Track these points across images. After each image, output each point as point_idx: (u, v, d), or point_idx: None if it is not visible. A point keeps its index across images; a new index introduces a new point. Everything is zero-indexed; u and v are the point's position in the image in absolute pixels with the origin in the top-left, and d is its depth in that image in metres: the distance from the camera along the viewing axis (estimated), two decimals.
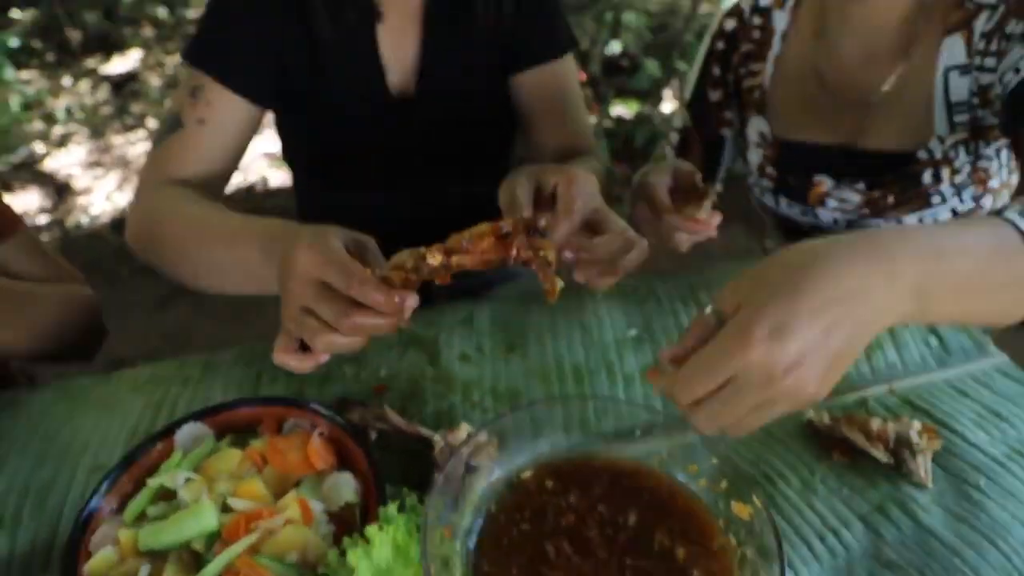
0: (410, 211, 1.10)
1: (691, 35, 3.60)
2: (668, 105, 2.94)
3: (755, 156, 1.08)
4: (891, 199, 0.95)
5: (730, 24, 1.05)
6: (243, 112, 0.90)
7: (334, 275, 0.59)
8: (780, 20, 1.02)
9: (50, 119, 3.25)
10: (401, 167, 1.03)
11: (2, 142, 3.05)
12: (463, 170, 1.07)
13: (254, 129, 0.94)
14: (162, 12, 4.13)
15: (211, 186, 0.89)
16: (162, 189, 0.85)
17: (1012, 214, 0.51)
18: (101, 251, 2.47)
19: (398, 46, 0.97)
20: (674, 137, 1.17)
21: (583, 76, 3.03)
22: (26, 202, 2.74)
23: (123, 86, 3.42)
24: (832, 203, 1.01)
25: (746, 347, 0.44)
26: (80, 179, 2.81)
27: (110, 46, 3.89)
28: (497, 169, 1.14)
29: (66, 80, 3.59)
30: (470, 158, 1.07)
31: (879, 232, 0.48)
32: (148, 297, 2.27)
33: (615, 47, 3.15)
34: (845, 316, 0.45)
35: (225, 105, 0.88)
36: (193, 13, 4.08)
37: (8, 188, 2.76)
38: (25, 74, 3.68)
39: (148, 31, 4.04)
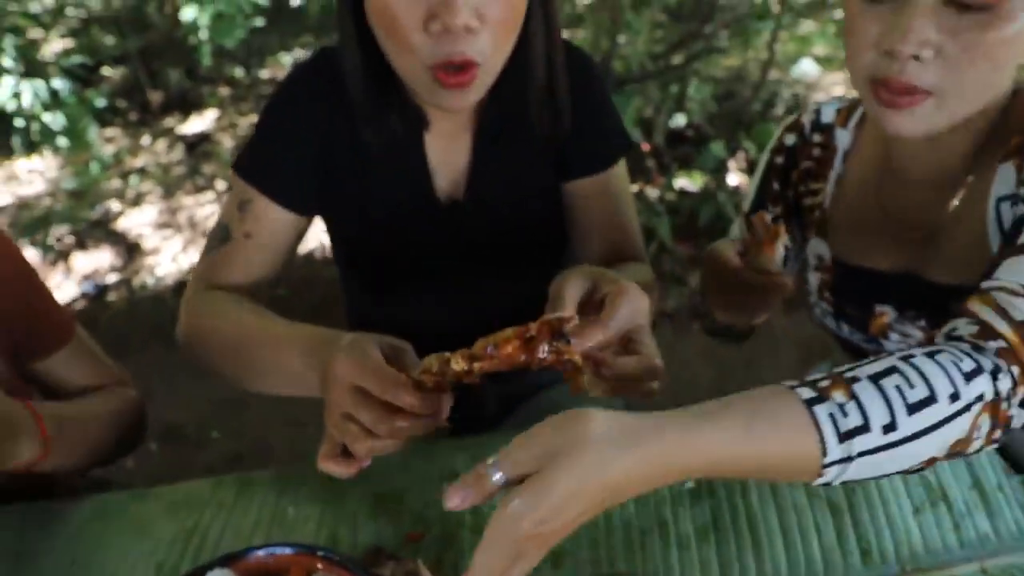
0: (459, 314, 1.06)
1: (759, 104, 3.54)
2: (734, 178, 2.87)
3: (813, 278, 1.02)
4: None
5: (790, 139, 1.01)
6: (289, 224, 0.92)
7: (370, 381, 0.63)
8: (843, 139, 0.97)
9: (127, 177, 3.38)
10: (449, 272, 1.01)
11: (82, 201, 3.19)
12: (513, 274, 1.04)
13: (301, 236, 0.96)
14: (239, 72, 4.30)
15: (256, 291, 0.92)
16: (210, 293, 0.89)
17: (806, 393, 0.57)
18: (163, 314, 2.52)
19: (447, 153, 0.95)
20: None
21: (646, 147, 3.00)
22: (98, 260, 2.84)
23: (196, 146, 3.55)
24: (895, 336, 0.94)
25: (516, 541, 0.51)
26: (150, 239, 2.90)
27: (189, 105, 4.06)
28: (549, 273, 1.09)
29: (145, 139, 3.74)
30: (520, 263, 1.03)
31: (663, 441, 0.53)
32: None
33: (680, 120, 3.11)
34: (610, 500, 0.54)
35: (272, 219, 0.90)
36: (267, 73, 4.23)
37: (82, 246, 2.86)
38: (109, 132, 3.86)
39: (225, 91, 4.20)
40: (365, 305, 1.14)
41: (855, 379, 0.58)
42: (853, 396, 0.56)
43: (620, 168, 1.01)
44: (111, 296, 2.68)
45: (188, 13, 3.63)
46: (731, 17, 3.54)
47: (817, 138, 0.99)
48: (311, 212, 0.95)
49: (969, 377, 0.59)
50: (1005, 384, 0.61)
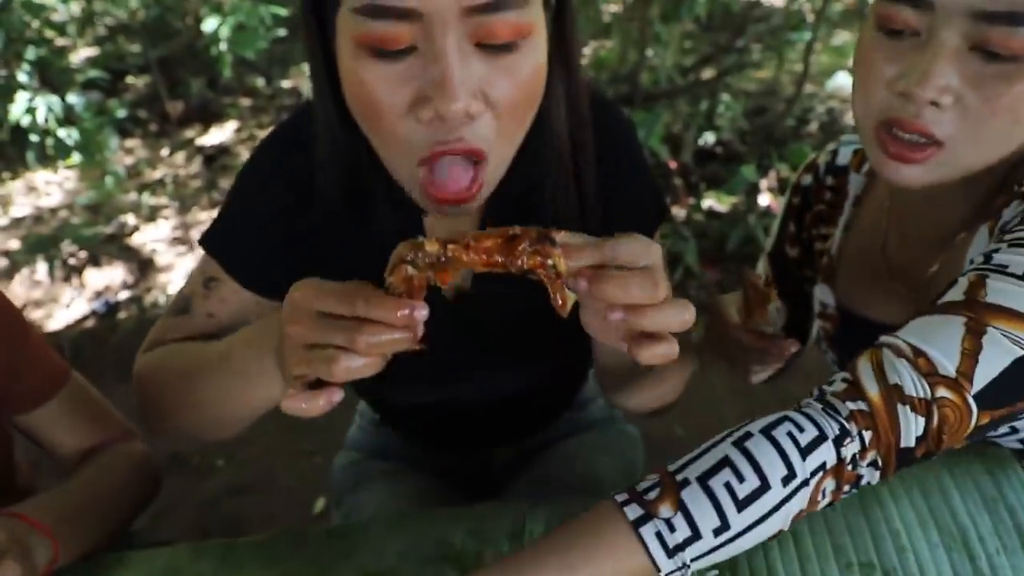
0: (471, 405, 0.97)
1: (792, 120, 3.41)
2: (765, 199, 2.75)
3: (817, 326, 0.97)
4: None
5: (806, 179, 0.97)
6: (258, 307, 0.82)
7: (334, 301, 0.55)
8: (855, 184, 0.92)
9: (145, 190, 3.35)
10: (457, 366, 0.88)
11: (98, 215, 3.16)
12: (527, 368, 0.93)
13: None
14: (260, 83, 4.26)
15: None
16: (158, 349, 0.81)
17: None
18: None
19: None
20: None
21: (674, 165, 2.89)
22: (110, 277, 2.79)
23: (215, 159, 3.51)
24: None
25: None
26: (163, 255, 2.85)
27: (209, 116, 4.02)
28: (567, 364, 1.00)
29: (164, 151, 3.71)
30: (536, 355, 0.91)
31: None
32: None
33: (709, 137, 2.99)
34: None
35: (238, 302, 0.81)
36: (288, 83, 4.18)
37: (96, 262, 2.82)
38: (129, 143, 3.84)
39: (246, 102, 4.17)
40: (370, 402, 1.07)
41: (685, 483, 0.59)
42: (680, 506, 0.58)
43: (656, 240, 0.87)
44: (122, 314, 2.63)
45: (209, 24, 3.59)
46: (764, 29, 3.42)
47: (830, 180, 0.94)
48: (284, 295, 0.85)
49: (808, 451, 0.59)
50: (851, 449, 0.61)
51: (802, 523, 0.80)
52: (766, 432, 0.61)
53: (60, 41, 4.41)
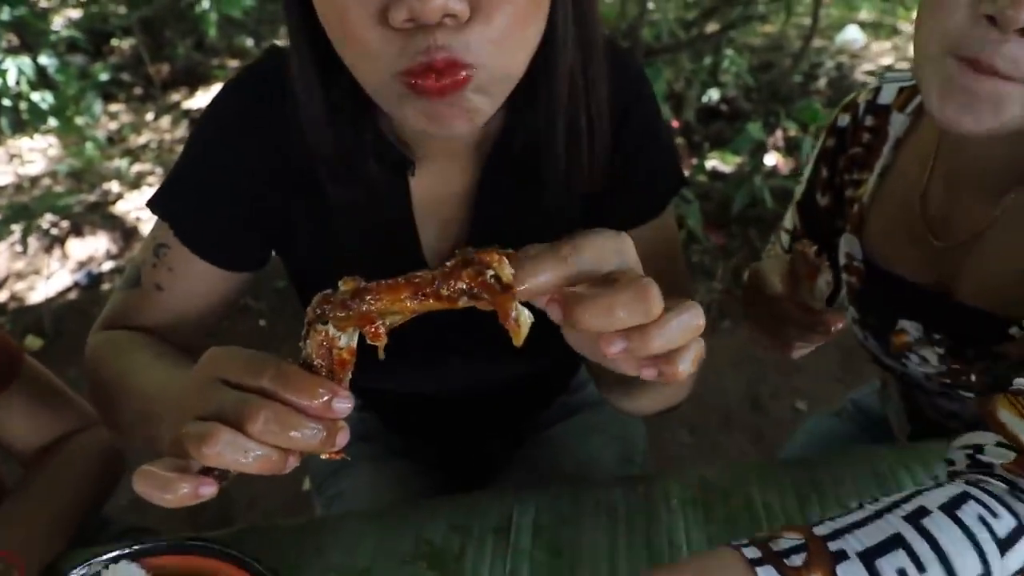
0: (459, 392, 0.89)
1: (799, 76, 3.28)
2: (771, 158, 2.64)
3: (844, 280, 0.90)
4: (973, 378, 0.77)
5: (843, 120, 0.88)
6: (216, 281, 0.73)
7: (240, 366, 0.45)
8: (897, 124, 0.83)
9: (130, 155, 3.24)
10: (442, 345, 0.79)
11: (80, 182, 3.06)
12: (521, 352, 0.83)
13: (238, 291, 0.77)
14: (249, 42, 4.12)
15: (179, 335, 0.74)
16: (108, 333, 0.74)
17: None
18: None
19: (440, 202, 0.71)
20: (784, 238, 0.99)
21: (676, 124, 2.77)
22: (94, 247, 2.71)
23: None
24: (914, 358, 0.81)
25: None
26: (148, 224, 2.76)
27: (196, 79, 3.90)
28: (562, 343, 0.91)
29: (150, 115, 3.60)
30: (529, 340, 0.82)
31: None
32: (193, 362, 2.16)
33: (713, 94, 2.87)
34: None
35: (191, 273, 0.72)
36: (279, 42, 4.05)
37: (78, 232, 2.73)
38: (114, 107, 3.72)
39: (233, 63, 4.04)
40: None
41: (842, 555, 0.48)
42: None
43: (669, 214, 0.78)
44: (105, 285, 2.55)
45: None
46: None
47: (870, 121, 0.85)
48: (248, 267, 0.75)
49: (1007, 544, 0.50)
50: None
51: (812, 505, 0.74)
52: (948, 511, 0.50)
53: (44, 3, 4.27)
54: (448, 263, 0.44)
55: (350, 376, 0.45)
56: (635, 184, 0.73)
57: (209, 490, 0.43)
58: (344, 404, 0.44)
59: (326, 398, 0.43)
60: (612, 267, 0.45)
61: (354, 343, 0.45)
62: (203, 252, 0.71)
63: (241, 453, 0.42)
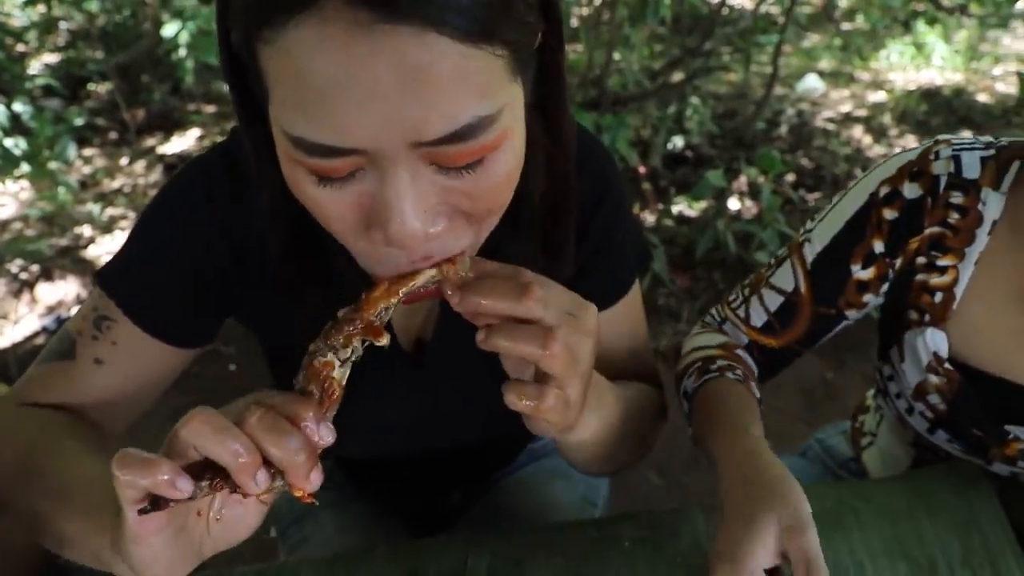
0: (428, 456, 0.90)
1: (762, 123, 3.39)
2: (734, 203, 2.72)
3: (913, 376, 0.82)
4: None
5: (913, 191, 0.76)
6: (165, 357, 0.71)
7: (233, 412, 0.46)
8: (994, 205, 0.74)
9: (103, 200, 3.25)
10: (414, 419, 0.80)
11: (51, 226, 3.05)
12: (491, 418, 0.82)
13: (186, 364, 0.75)
14: (225, 88, 4.16)
15: (113, 412, 0.72)
16: (32, 415, 0.69)
17: None
18: None
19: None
20: (771, 298, 0.87)
21: (643, 169, 2.85)
22: (64, 291, 2.69)
23: (176, 167, 3.41)
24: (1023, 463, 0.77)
25: None
26: None
27: (172, 124, 3.92)
28: None
29: (124, 159, 3.61)
30: (500, 406, 0.85)
31: None
32: (164, 408, 2.14)
33: (678, 142, 2.95)
34: None
35: (138, 349, 0.69)
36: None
37: (48, 276, 2.72)
38: (88, 151, 3.73)
39: (210, 108, 4.07)
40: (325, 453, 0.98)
41: None
42: None
43: (635, 293, 0.80)
44: None
45: (169, 29, 3.50)
46: (733, 31, 3.40)
47: (957, 198, 0.74)
48: (199, 343, 0.73)
49: None
50: None
51: None
52: None
53: (21, 48, 4.29)
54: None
55: (334, 413, 0.49)
56: (605, 268, 0.75)
57: (186, 485, 0.43)
58: (328, 433, 0.46)
59: (316, 420, 0.46)
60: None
61: (344, 379, 0.49)
62: (153, 329, 0.69)
63: (220, 435, 0.44)
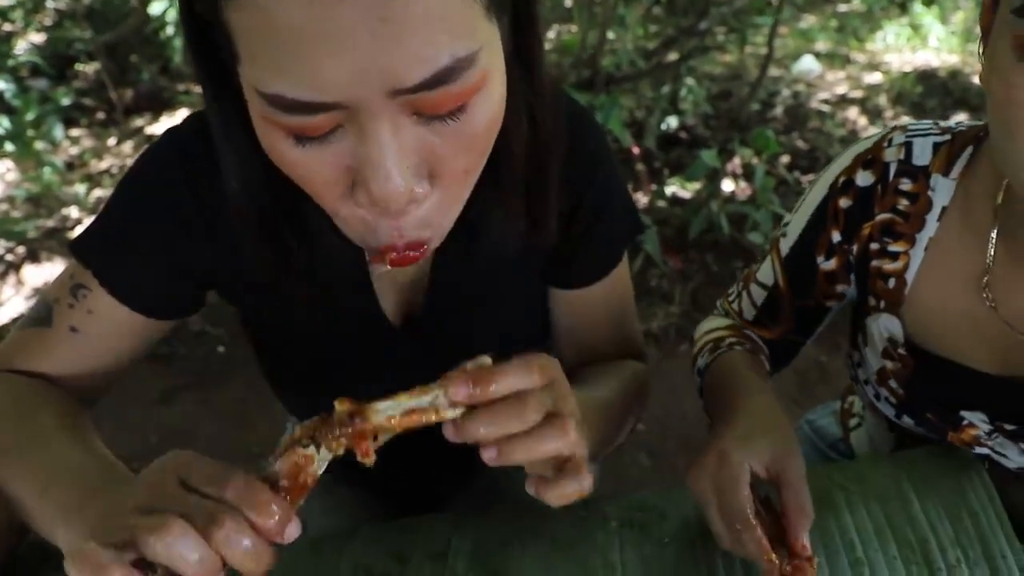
0: (419, 437, 0.89)
1: (757, 104, 3.36)
2: (728, 184, 2.69)
3: (875, 361, 0.82)
4: None
5: (864, 178, 0.76)
6: (139, 328, 0.70)
7: (206, 474, 0.47)
8: (943, 191, 0.73)
9: (90, 181, 3.21)
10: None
11: (38, 207, 3.02)
12: None
13: (160, 335, 0.74)
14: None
15: (85, 381, 0.71)
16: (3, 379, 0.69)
17: None
18: None
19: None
20: (757, 293, 0.88)
21: (637, 150, 2.82)
22: (50, 273, 2.66)
23: None
24: (982, 450, 0.77)
25: None
26: None
27: (161, 104, 3.88)
28: None
29: (112, 140, 3.57)
30: None
31: None
32: (152, 389, 2.13)
33: (672, 122, 2.92)
34: None
35: (113, 318, 0.68)
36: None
37: (35, 258, 2.69)
38: (76, 132, 3.69)
39: (198, 88, 4.03)
40: (299, 413, 0.95)
41: None
42: None
43: (623, 267, 0.80)
44: None
45: (157, 7, 3.45)
46: (729, 12, 3.36)
47: (907, 185, 0.74)
48: (175, 315, 0.73)
49: None
50: None
51: None
52: None
53: (7, 27, 4.23)
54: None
55: (300, 504, 0.48)
56: (595, 243, 0.75)
57: None
58: (295, 531, 0.46)
59: (281, 522, 0.45)
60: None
61: (321, 472, 0.48)
62: (127, 299, 0.68)
63: (189, 552, 0.43)
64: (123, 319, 0.69)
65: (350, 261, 0.69)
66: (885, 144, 0.76)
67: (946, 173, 0.73)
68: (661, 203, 2.62)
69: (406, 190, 0.45)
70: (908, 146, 0.75)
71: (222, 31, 0.44)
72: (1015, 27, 0.53)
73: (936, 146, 0.74)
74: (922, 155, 0.74)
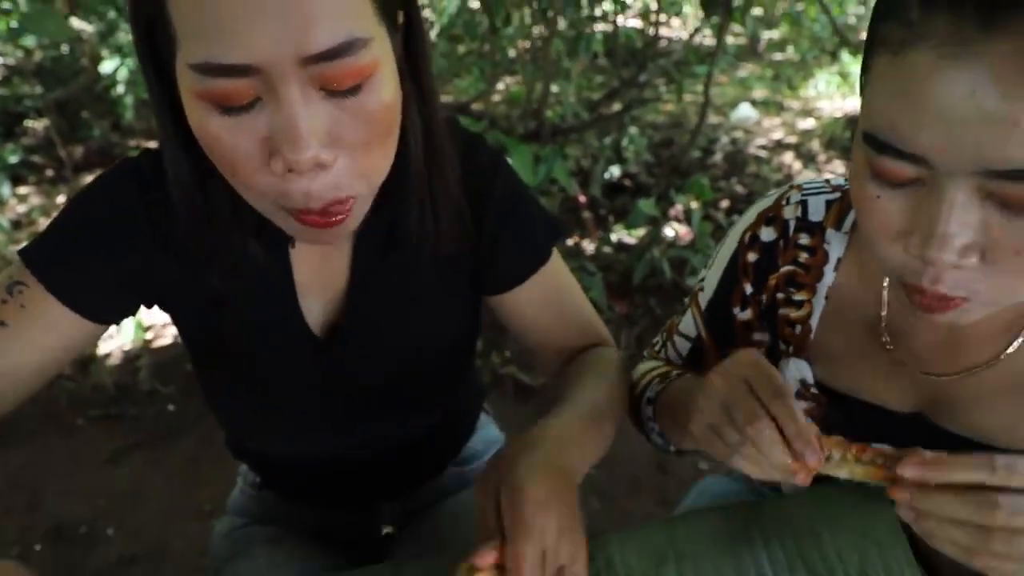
0: (354, 457, 0.93)
1: (697, 151, 3.50)
2: (670, 230, 2.80)
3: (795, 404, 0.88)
4: None
5: (767, 234, 0.82)
6: (69, 328, 0.72)
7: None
8: (837, 244, 0.79)
9: None
10: (333, 409, 0.84)
11: None
12: (412, 405, 0.89)
13: (87, 343, 0.76)
14: None
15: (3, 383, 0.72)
16: None
17: None
18: (58, 397, 2.32)
19: (320, 269, 0.78)
20: (681, 344, 0.93)
21: (583, 198, 2.91)
22: None
23: None
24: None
25: None
26: None
27: (111, 160, 3.87)
28: (456, 396, 0.98)
29: (61, 197, 3.55)
30: (419, 391, 0.88)
31: None
32: (101, 450, 2.10)
33: (615, 171, 3.03)
34: None
35: (45, 315, 0.70)
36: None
37: None
38: (24, 189, 3.66)
39: (151, 144, 4.03)
40: (246, 452, 0.99)
41: None
42: None
43: (555, 261, 0.87)
44: None
45: (108, 66, 3.48)
46: (668, 62, 3.51)
47: (805, 239, 0.80)
48: (109, 319, 0.75)
49: None
50: None
51: (669, 565, 0.79)
52: None
53: None
54: None
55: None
56: (511, 245, 0.82)
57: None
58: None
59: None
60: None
61: None
62: (62, 294, 0.70)
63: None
64: (55, 316, 0.70)
65: (277, 272, 0.76)
66: (784, 202, 0.82)
67: (838, 228, 0.79)
68: (608, 249, 2.71)
69: (314, 153, 0.54)
70: (804, 204, 0.81)
71: (163, 23, 0.54)
72: (867, 150, 0.58)
73: (828, 203, 0.80)
74: (816, 212, 0.80)
